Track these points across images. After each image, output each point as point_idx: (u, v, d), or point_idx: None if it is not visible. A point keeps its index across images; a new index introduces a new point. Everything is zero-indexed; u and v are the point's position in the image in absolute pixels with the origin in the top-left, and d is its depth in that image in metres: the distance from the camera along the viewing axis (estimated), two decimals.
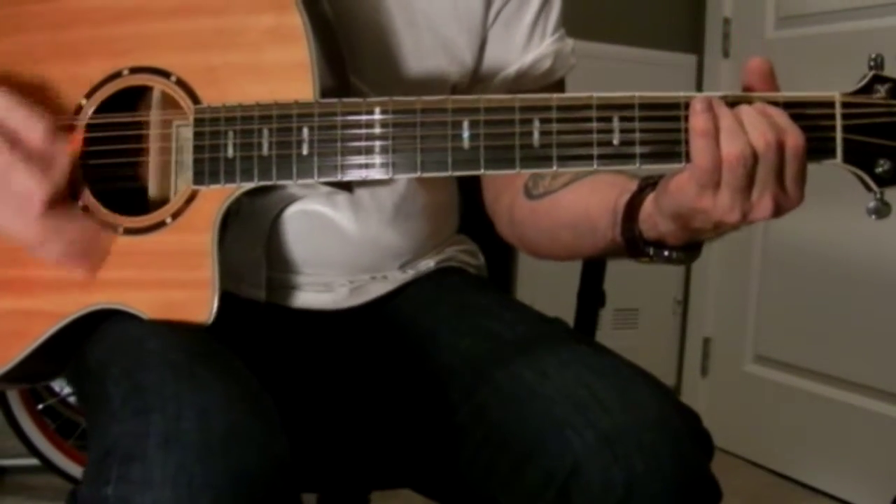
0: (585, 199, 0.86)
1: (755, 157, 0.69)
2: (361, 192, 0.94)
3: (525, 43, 1.00)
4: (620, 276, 1.27)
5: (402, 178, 0.92)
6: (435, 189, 1.01)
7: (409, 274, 1.00)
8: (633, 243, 0.79)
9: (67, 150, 0.78)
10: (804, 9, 2.23)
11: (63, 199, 0.80)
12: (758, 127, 0.70)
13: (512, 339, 0.86)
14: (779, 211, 0.72)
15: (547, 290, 1.60)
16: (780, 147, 0.70)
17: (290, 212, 0.91)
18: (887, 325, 2.05)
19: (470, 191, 1.07)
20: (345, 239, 0.94)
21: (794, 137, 0.70)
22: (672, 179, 0.73)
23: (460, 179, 1.08)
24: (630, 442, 0.72)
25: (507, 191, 0.98)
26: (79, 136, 0.83)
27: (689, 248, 0.79)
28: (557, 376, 0.78)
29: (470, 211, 1.09)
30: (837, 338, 2.17)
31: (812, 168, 0.73)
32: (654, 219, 0.76)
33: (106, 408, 0.69)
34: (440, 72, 0.97)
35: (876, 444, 2.08)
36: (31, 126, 0.76)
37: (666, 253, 0.79)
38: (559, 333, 0.90)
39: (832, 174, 0.75)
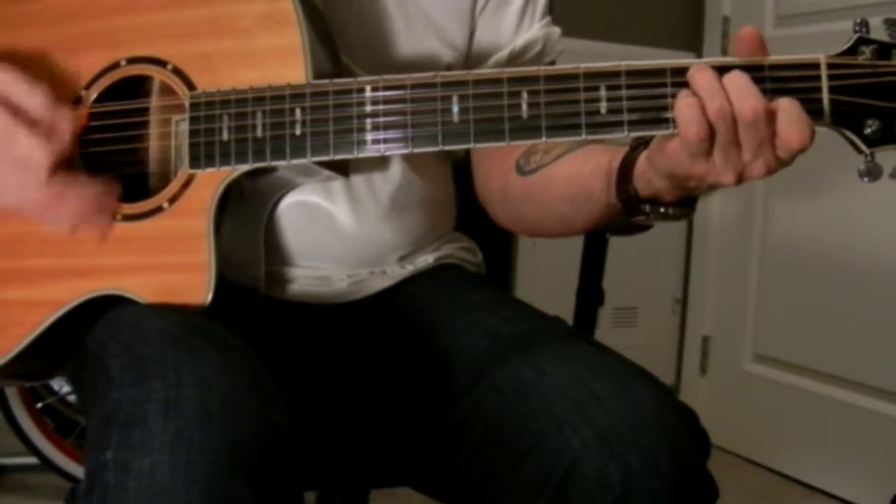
0: (579, 168, 0.86)
1: (733, 114, 0.70)
2: (358, 183, 0.94)
3: (515, 27, 1.02)
4: (619, 274, 1.27)
5: (395, 155, 0.94)
6: (431, 181, 1.02)
7: (408, 269, 1.00)
8: (629, 203, 0.80)
9: (70, 119, 0.79)
10: (803, 7, 2.23)
11: (67, 168, 0.80)
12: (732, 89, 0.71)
13: (511, 337, 0.86)
14: (771, 169, 0.73)
15: (546, 288, 1.60)
16: (754, 110, 0.70)
17: (287, 203, 0.92)
18: (887, 323, 2.05)
19: (466, 189, 1.07)
20: (342, 231, 0.94)
21: (754, 100, 0.70)
22: (668, 143, 0.73)
23: (455, 172, 1.09)
24: (628, 440, 0.72)
25: (497, 171, 0.99)
26: (84, 110, 0.84)
27: (684, 204, 0.79)
28: (556, 374, 0.78)
29: (467, 209, 1.09)
30: (837, 336, 2.17)
31: (809, 167, 0.73)
32: (647, 175, 0.77)
33: (105, 379, 0.70)
34: (432, 54, 0.98)
35: (876, 442, 2.08)
36: (31, 95, 0.77)
37: (662, 209, 0.79)
38: (558, 331, 0.90)
39: (829, 172, 0.75)
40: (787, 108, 0.71)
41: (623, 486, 0.70)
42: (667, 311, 2.68)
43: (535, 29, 1.03)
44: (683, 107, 0.71)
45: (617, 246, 1.14)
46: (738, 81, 0.71)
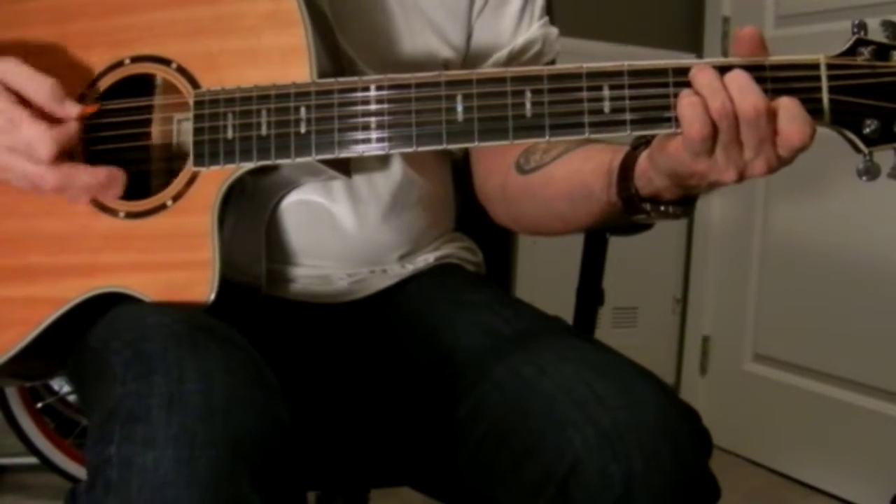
0: (579, 166, 0.87)
1: (735, 112, 0.71)
2: (359, 182, 0.95)
3: (514, 27, 1.02)
4: (620, 274, 1.27)
5: (397, 154, 0.94)
6: (431, 180, 1.02)
7: (408, 269, 1.01)
8: (630, 201, 0.80)
9: (76, 110, 0.80)
10: (804, 7, 2.23)
11: (74, 155, 0.82)
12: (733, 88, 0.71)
13: (511, 336, 0.86)
14: (772, 167, 0.73)
15: (546, 287, 1.60)
16: (756, 108, 0.71)
17: (289, 202, 0.92)
18: (887, 323, 2.05)
19: (466, 189, 1.07)
20: (342, 229, 0.95)
21: (756, 98, 0.71)
22: (670, 142, 0.74)
23: (455, 172, 1.10)
24: (630, 439, 0.72)
25: (497, 170, 0.99)
26: (92, 104, 0.84)
27: (684, 202, 0.80)
28: (557, 373, 0.78)
29: (468, 209, 1.09)
30: (837, 336, 2.17)
31: (809, 168, 0.73)
32: (648, 174, 0.78)
33: (108, 376, 0.70)
34: (430, 50, 0.98)
35: (875, 442, 2.08)
36: (38, 86, 0.79)
37: (662, 208, 0.79)
38: (558, 330, 0.90)
39: (830, 173, 0.75)
40: (788, 107, 0.71)
41: (625, 486, 0.70)
42: (667, 311, 2.68)
43: (534, 29, 1.03)
44: (686, 105, 0.71)
45: (617, 246, 1.14)
46: (739, 80, 0.71)
